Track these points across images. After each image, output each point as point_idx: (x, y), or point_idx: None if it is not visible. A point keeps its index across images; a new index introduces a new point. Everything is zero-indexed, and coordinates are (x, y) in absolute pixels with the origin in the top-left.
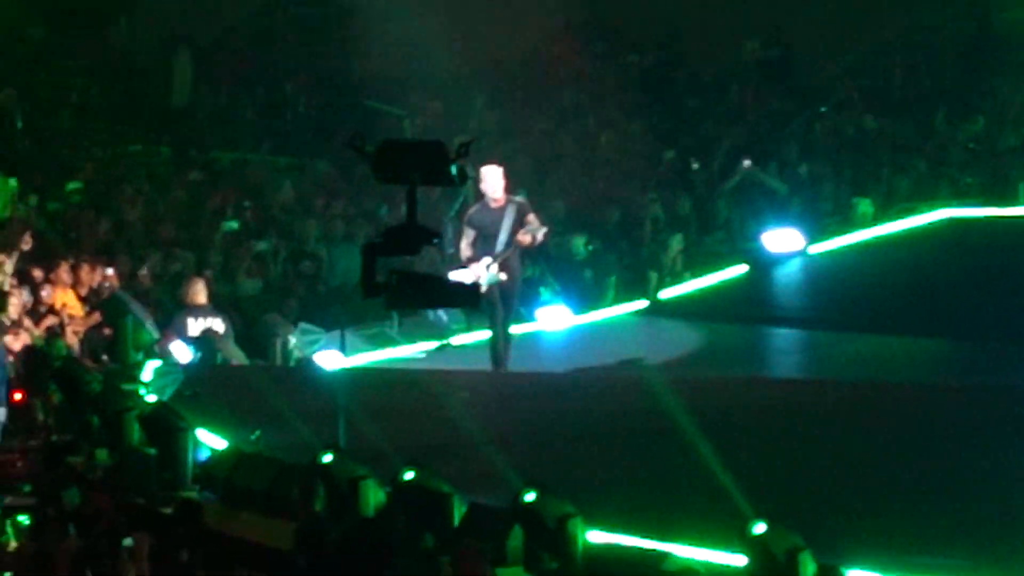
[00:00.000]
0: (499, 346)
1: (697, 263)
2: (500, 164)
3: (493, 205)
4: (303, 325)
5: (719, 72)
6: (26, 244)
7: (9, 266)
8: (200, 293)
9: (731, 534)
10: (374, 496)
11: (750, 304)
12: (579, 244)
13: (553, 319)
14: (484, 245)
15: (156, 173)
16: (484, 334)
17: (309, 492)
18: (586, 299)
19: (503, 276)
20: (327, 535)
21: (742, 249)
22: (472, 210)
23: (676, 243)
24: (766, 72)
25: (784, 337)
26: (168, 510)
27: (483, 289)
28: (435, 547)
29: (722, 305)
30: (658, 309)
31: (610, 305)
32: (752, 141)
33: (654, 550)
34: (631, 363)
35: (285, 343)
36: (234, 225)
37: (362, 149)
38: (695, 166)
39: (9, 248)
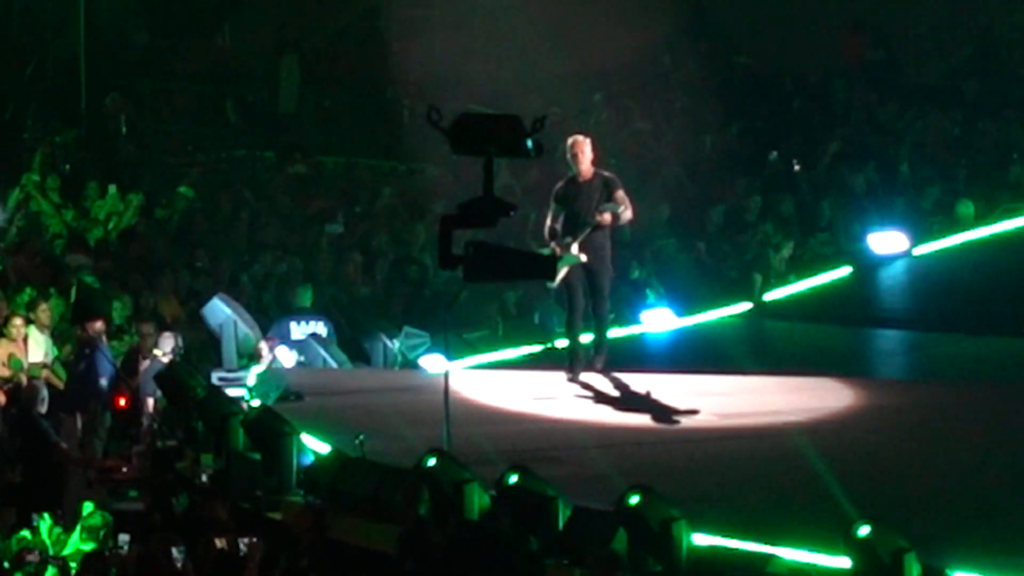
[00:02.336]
0: (575, 341)
1: (801, 265)
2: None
3: (580, 180)
4: (407, 329)
5: (824, 73)
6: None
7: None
8: (304, 297)
9: (836, 536)
10: (479, 499)
11: (854, 306)
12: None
13: (657, 321)
14: (570, 224)
15: (260, 178)
16: (589, 337)
17: (413, 496)
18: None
19: (583, 257)
20: (432, 539)
21: (846, 251)
22: (558, 186)
23: (786, 249)
24: (871, 73)
25: (889, 338)
26: (278, 515)
27: (559, 274)
28: (540, 550)
29: (826, 307)
30: (763, 311)
31: (715, 308)
32: (856, 142)
33: (759, 552)
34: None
35: (389, 347)
36: (338, 228)
37: (438, 123)
38: (797, 167)
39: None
